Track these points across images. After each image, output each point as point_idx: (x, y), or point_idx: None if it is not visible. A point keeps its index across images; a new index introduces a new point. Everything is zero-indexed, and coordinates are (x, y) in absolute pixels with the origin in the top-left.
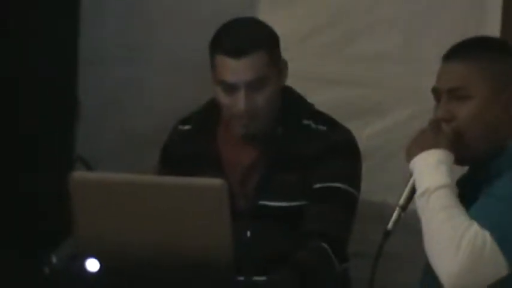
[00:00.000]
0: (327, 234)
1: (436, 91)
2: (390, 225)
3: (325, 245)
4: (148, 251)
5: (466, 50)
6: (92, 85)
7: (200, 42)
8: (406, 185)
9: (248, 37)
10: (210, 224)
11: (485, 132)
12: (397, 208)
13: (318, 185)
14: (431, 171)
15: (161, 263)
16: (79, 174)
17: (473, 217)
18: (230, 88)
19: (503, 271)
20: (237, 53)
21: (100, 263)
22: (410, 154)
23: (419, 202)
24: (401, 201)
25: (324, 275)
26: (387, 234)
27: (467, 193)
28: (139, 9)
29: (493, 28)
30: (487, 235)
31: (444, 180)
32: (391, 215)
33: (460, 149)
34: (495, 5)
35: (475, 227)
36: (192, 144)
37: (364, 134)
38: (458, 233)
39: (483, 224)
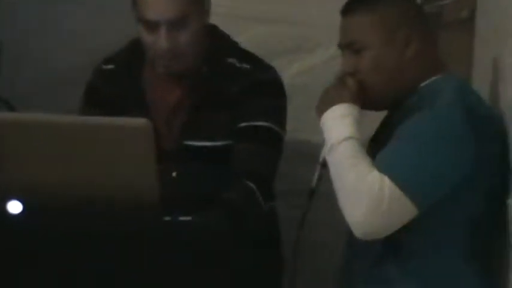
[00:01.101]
0: (253, 173)
1: (339, 46)
2: (314, 183)
3: (251, 184)
4: (72, 192)
5: (355, 2)
6: (12, 22)
7: None
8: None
9: None
10: (134, 164)
11: (388, 78)
12: (318, 166)
13: (243, 124)
14: (336, 126)
15: (86, 205)
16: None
17: (377, 162)
18: (152, 26)
19: (410, 213)
20: None
21: (23, 205)
22: (319, 112)
23: (328, 157)
24: (321, 158)
25: (251, 213)
26: (312, 192)
27: (384, 135)
28: None
29: None
30: (385, 179)
31: (347, 132)
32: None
33: (368, 98)
34: None
35: (373, 173)
36: (115, 84)
37: (290, 72)
38: (357, 182)
39: (383, 168)
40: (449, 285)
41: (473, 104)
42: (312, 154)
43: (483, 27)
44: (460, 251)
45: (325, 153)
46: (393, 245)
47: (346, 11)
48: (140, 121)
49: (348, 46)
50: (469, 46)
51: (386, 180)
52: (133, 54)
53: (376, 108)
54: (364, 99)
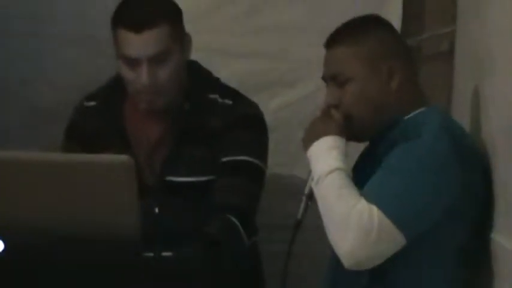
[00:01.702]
0: (235, 208)
1: (323, 79)
2: (299, 215)
3: (233, 218)
4: (54, 229)
5: (339, 35)
6: None
7: (103, 16)
8: (308, 175)
9: (149, 10)
10: (116, 201)
11: (372, 110)
12: (303, 198)
13: (225, 159)
14: (323, 158)
15: (68, 241)
16: None
17: (364, 193)
18: (132, 62)
19: (399, 242)
20: (138, 26)
21: (4, 242)
22: (306, 145)
23: (315, 189)
24: (306, 190)
25: (233, 248)
26: (298, 223)
27: (368, 166)
28: None
29: (394, 1)
30: (373, 209)
31: (334, 164)
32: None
33: (352, 130)
34: None
35: (361, 203)
36: (97, 121)
37: (271, 106)
38: (346, 212)
39: (371, 198)
40: None
41: (457, 135)
42: (294, 188)
43: (462, 60)
44: (448, 281)
45: (311, 185)
46: (379, 275)
47: (329, 43)
48: (122, 158)
49: (332, 78)
50: (449, 78)
51: (375, 210)
52: (115, 90)
53: (361, 139)
54: (349, 131)
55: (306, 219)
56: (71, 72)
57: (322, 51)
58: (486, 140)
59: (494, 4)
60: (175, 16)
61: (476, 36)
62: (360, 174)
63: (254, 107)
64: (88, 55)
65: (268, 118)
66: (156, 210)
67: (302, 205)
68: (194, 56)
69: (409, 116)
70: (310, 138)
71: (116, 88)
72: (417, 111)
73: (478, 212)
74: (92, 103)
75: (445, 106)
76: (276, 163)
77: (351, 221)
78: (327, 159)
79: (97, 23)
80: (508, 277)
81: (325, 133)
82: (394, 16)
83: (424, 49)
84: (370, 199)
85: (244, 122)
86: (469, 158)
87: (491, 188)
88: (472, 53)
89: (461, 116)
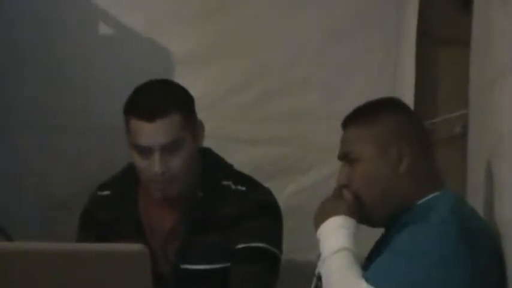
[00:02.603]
0: None
1: (339, 158)
2: None
3: None
4: None
5: (353, 115)
6: (6, 152)
7: (114, 105)
8: (318, 255)
9: (161, 99)
10: None
11: (379, 192)
12: (314, 278)
13: (240, 246)
14: (330, 238)
15: None
16: None
17: (367, 275)
18: (145, 151)
19: None
20: (150, 116)
21: None
22: (316, 224)
23: (321, 268)
24: (317, 271)
25: None
26: None
27: (380, 250)
28: (55, 74)
29: (407, 85)
30: None
31: (340, 244)
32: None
33: (363, 212)
34: (408, 62)
35: (362, 285)
36: (111, 210)
37: (285, 192)
38: None
39: (372, 280)
40: None
41: (468, 219)
42: (308, 273)
43: (475, 143)
44: None
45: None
46: None
47: (344, 123)
48: (136, 247)
49: (344, 158)
50: (463, 162)
51: None
52: (128, 179)
53: (372, 223)
54: (360, 213)
55: None
56: (81, 162)
57: (336, 137)
58: (499, 224)
59: (504, 88)
60: (187, 104)
61: (487, 118)
62: (373, 259)
63: (268, 193)
64: (98, 145)
65: (283, 204)
66: None
67: (313, 285)
68: (207, 143)
69: (422, 201)
70: (320, 218)
71: (129, 177)
72: (430, 196)
73: None
74: (106, 192)
75: (459, 190)
76: (290, 249)
77: None
78: (334, 239)
79: (105, 113)
80: None
81: (335, 213)
82: (407, 100)
83: (437, 132)
84: (370, 281)
85: (259, 209)
86: (480, 242)
87: (504, 272)
88: (484, 136)
89: (476, 200)
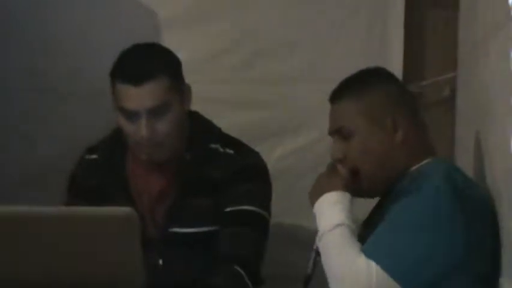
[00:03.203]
0: (240, 258)
1: (330, 133)
2: (309, 270)
3: (238, 269)
4: (56, 284)
5: (342, 89)
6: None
7: (101, 69)
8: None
9: (148, 63)
10: (120, 253)
11: (377, 163)
12: (312, 252)
13: (228, 209)
14: (326, 214)
15: None
16: None
17: (365, 248)
18: (131, 115)
19: None
20: (136, 79)
21: None
22: (311, 200)
23: (319, 244)
24: (315, 245)
25: None
26: (308, 278)
27: (377, 221)
28: (43, 37)
29: (395, 48)
30: (372, 265)
31: (337, 220)
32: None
33: (359, 185)
34: (397, 25)
35: (361, 259)
36: (99, 174)
37: (273, 156)
38: (345, 269)
39: (370, 254)
40: None
41: (461, 186)
42: (298, 237)
43: (464, 106)
44: None
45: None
46: None
47: (333, 98)
48: (125, 210)
49: (337, 132)
50: (451, 125)
51: (374, 266)
52: (116, 143)
53: (368, 195)
54: (355, 186)
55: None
56: (70, 126)
57: (323, 99)
58: (490, 188)
59: (493, 50)
60: (174, 68)
61: (476, 82)
62: (370, 229)
63: (256, 156)
64: (86, 109)
65: (271, 167)
66: (160, 262)
67: (311, 260)
68: (195, 106)
69: (415, 168)
70: (315, 193)
71: (116, 141)
72: (423, 163)
73: (486, 261)
74: (93, 156)
75: (447, 152)
76: (279, 212)
77: (350, 277)
78: (330, 214)
79: (97, 75)
80: None
81: (330, 188)
82: (396, 63)
83: (426, 95)
84: (369, 254)
85: (247, 172)
86: (474, 208)
87: (498, 235)
88: (473, 99)
89: (464, 163)
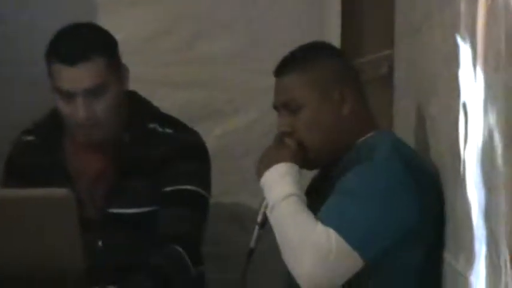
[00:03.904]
0: (180, 237)
1: (275, 107)
2: (252, 243)
3: (178, 248)
4: None
5: (288, 63)
6: None
7: (37, 51)
8: (261, 204)
9: (83, 43)
10: (57, 234)
11: (325, 136)
12: (256, 226)
13: (167, 189)
14: (277, 185)
15: (8, 278)
16: None
17: (320, 217)
18: (68, 96)
19: (357, 265)
20: (72, 59)
21: None
22: (259, 173)
23: (270, 216)
24: (259, 219)
25: (179, 278)
26: (250, 252)
27: (322, 191)
28: None
29: (333, 25)
30: (330, 232)
31: (289, 190)
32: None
33: (306, 157)
34: (334, 2)
35: (318, 227)
36: (36, 155)
37: (212, 135)
38: (303, 237)
39: (328, 222)
40: None
41: (408, 157)
42: (238, 216)
43: (402, 82)
44: None
45: (263, 213)
46: None
47: (279, 71)
48: (61, 191)
49: (284, 106)
50: (389, 101)
51: (332, 233)
52: (53, 123)
53: (315, 166)
54: (302, 159)
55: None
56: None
57: (262, 79)
58: (435, 161)
59: (430, 25)
60: (110, 48)
61: (415, 57)
62: (313, 199)
63: (195, 135)
64: (21, 90)
65: (210, 146)
66: (100, 243)
67: (255, 233)
68: (133, 87)
69: (361, 140)
70: (263, 166)
71: (53, 121)
72: (369, 135)
73: (434, 233)
74: (30, 137)
75: (387, 129)
76: (219, 191)
77: (309, 245)
78: (280, 185)
79: (31, 58)
80: None
81: (278, 160)
82: (333, 39)
83: (365, 73)
84: (326, 223)
85: (186, 151)
86: (422, 179)
87: (443, 208)
88: (412, 74)
89: (405, 138)
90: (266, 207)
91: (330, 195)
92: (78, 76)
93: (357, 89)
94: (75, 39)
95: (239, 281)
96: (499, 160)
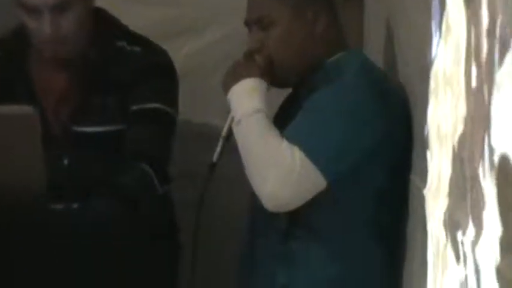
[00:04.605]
0: (147, 156)
1: (246, 23)
2: (215, 157)
3: (145, 167)
4: None
5: None
6: None
7: None
8: (227, 117)
9: None
10: (21, 153)
11: (296, 54)
12: (220, 139)
13: (135, 107)
14: (244, 100)
15: None
16: None
17: (286, 134)
18: (33, 12)
19: (320, 184)
20: None
21: None
22: (226, 86)
23: (236, 130)
24: (224, 132)
25: (146, 196)
26: (213, 166)
27: (291, 111)
28: None
29: None
30: (295, 150)
31: (257, 106)
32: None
33: (275, 74)
34: None
35: (284, 144)
36: (2, 71)
37: (181, 53)
38: (268, 153)
39: (293, 139)
40: (359, 265)
41: (377, 78)
42: (206, 134)
43: (373, 3)
44: (368, 223)
45: (229, 126)
46: (299, 219)
47: None
48: (24, 109)
49: (256, 22)
50: (359, 22)
51: (297, 151)
52: (19, 39)
53: (283, 85)
54: (271, 76)
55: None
56: None
57: None
58: (404, 83)
59: None
60: None
61: None
62: (283, 120)
63: (163, 53)
64: None
65: (179, 65)
66: (66, 161)
67: (219, 147)
68: (100, 3)
69: (330, 60)
70: (231, 80)
71: (20, 37)
72: (338, 55)
73: (399, 154)
74: None
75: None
76: (187, 110)
77: (273, 162)
78: (249, 100)
79: None
80: (421, 218)
81: (247, 75)
82: None
83: None
84: (291, 140)
85: (154, 69)
86: (390, 100)
87: (411, 130)
88: None
89: (375, 59)
90: (232, 120)
91: (298, 115)
92: None
93: (329, 9)
94: None
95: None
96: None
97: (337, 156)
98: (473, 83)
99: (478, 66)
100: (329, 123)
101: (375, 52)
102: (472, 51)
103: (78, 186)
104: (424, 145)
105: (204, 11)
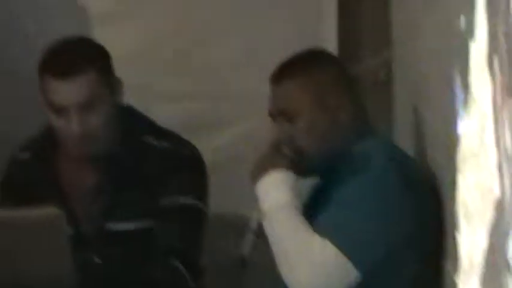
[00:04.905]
0: (178, 252)
1: (270, 114)
2: (244, 250)
3: (176, 263)
4: None
5: (285, 69)
6: None
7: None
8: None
9: (76, 56)
10: (49, 254)
11: (323, 142)
12: (250, 235)
13: (165, 203)
14: (271, 193)
15: None
16: None
17: (317, 228)
18: (60, 111)
19: (353, 277)
20: (63, 74)
21: None
22: (254, 179)
23: (266, 224)
24: (253, 226)
25: None
26: (244, 260)
27: (320, 202)
28: None
29: (329, 29)
30: (327, 243)
31: (284, 200)
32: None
33: (302, 164)
34: (331, 10)
35: (315, 238)
36: (31, 173)
37: (211, 147)
38: (300, 247)
39: (324, 233)
40: None
41: (404, 165)
42: (238, 227)
43: (400, 87)
44: None
45: (257, 221)
46: None
47: (276, 78)
48: (49, 210)
49: (280, 113)
50: (388, 109)
51: (329, 245)
52: (47, 139)
53: (311, 174)
54: (299, 167)
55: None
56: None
57: (261, 87)
58: (431, 165)
59: (425, 27)
60: (103, 61)
61: (411, 64)
62: (311, 210)
63: (191, 147)
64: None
65: (209, 159)
66: (97, 259)
67: (248, 242)
68: (128, 100)
69: (358, 147)
70: (259, 172)
71: (48, 137)
72: (366, 141)
73: (431, 242)
74: (26, 154)
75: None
76: (217, 205)
77: (305, 256)
78: (276, 194)
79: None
80: None
81: (275, 168)
82: (330, 48)
83: (362, 79)
84: (323, 234)
85: (183, 164)
86: (418, 186)
87: (440, 215)
88: (409, 79)
89: (405, 145)
90: (261, 214)
91: (327, 205)
92: (71, 90)
93: (353, 95)
94: (68, 53)
95: None
96: None
97: (369, 248)
98: None
99: None
100: (359, 216)
101: (403, 137)
102: None
103: (110, 285)
104: (453, 226)
105: (234, 102)
